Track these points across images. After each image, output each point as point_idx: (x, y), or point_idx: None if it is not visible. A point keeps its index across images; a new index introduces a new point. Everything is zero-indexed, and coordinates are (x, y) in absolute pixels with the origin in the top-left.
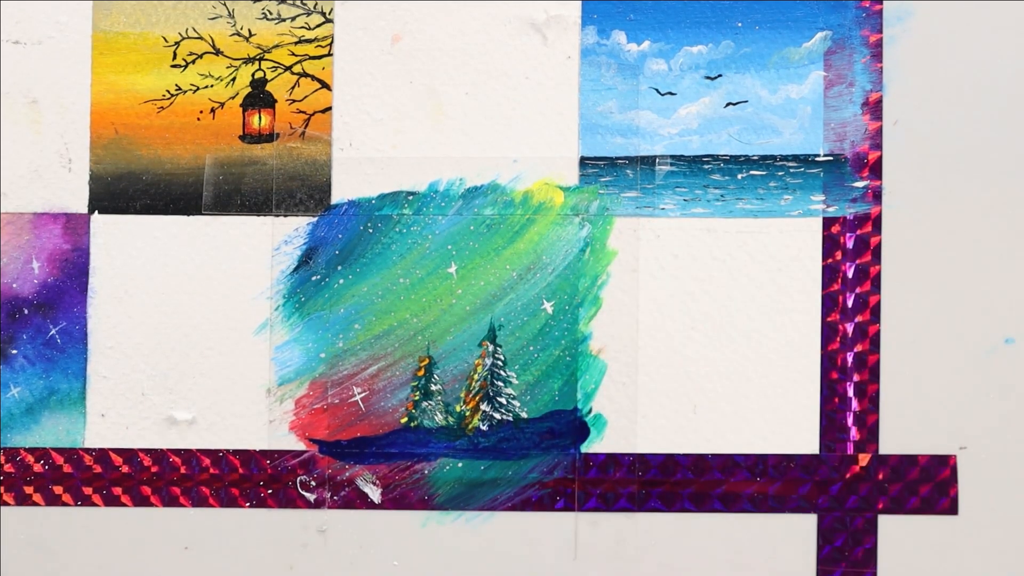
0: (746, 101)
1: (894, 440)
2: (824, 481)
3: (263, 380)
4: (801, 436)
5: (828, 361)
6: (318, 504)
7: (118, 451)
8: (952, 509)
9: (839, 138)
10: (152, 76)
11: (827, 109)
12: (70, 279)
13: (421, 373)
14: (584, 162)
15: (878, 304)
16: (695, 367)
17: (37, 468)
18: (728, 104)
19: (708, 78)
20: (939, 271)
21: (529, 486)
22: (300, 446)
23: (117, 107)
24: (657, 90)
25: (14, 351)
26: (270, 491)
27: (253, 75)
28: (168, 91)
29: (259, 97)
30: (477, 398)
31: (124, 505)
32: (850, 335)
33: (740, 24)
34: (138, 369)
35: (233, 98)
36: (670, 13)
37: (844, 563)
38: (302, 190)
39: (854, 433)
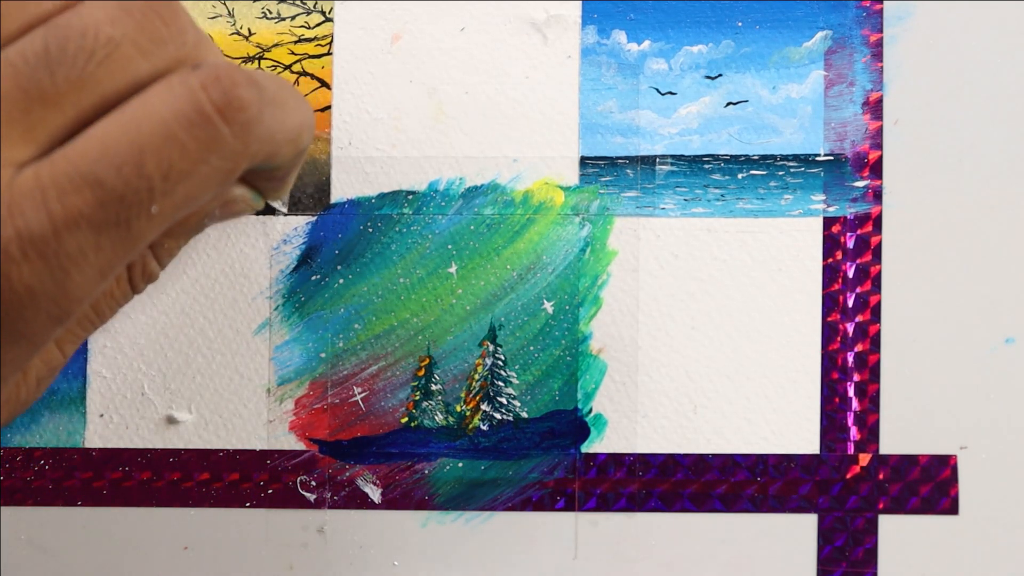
0: (746, 101)
1: (894, 440)
2: (824, 481)
3: (263, 380)
4: (801, 436)
5: (828, 361)
6: (318, 504)
7: (118, 451)
8: (952, 509)
9: (839, 138)
10: None
11: (827, 109)
12: None
13: (421, 373)
14: (584, 162)
15: (878, 304)
16: (695, 367)
17: (37, 468)
18: (728, 104)
19: (708, 77)
20: (939, 271)
21: (529, 486)
22: (300, 446)
23: None
24: (657, 90)
25: None
26: (270, 491)
27: None
28: None
29: None
30: (477, 398)
31: (124, 505)
32: (850, 335)
33: (740, 24)
34: (138, 369)
35: None
36: (670, 13)
37: (844, 563)
38: (301, 189)
39: (854, 433)
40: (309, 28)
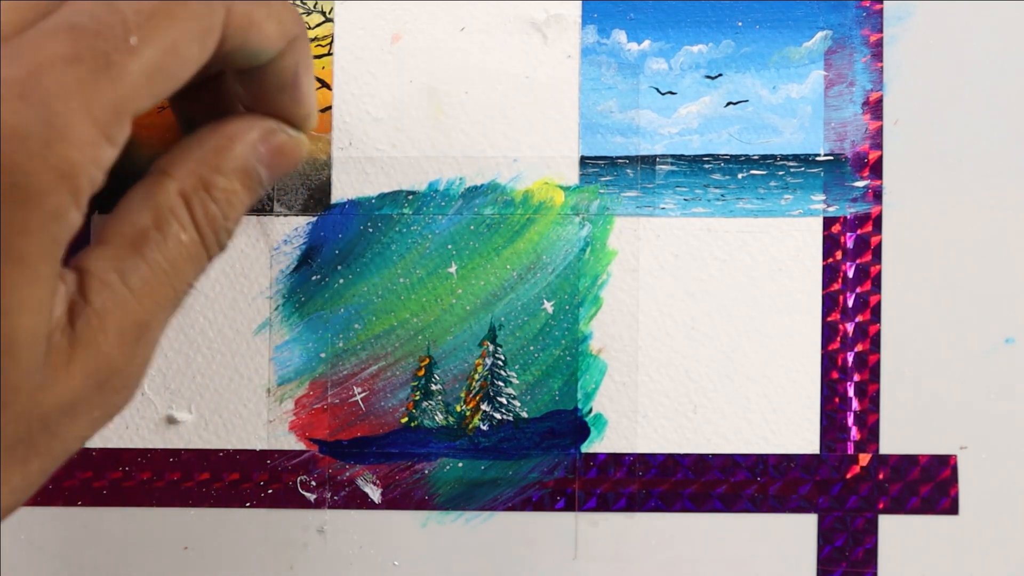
0: (746, 100)
1: (894, 440)
2: (824, 481)
3: (263, 380)
4: (801, 436)
5: (828, 361)
6: (318, 504)
7: (118, 451)
8: (952, 509)
9: (839, 138)
10: None
11: (827, 108)
12: None
13: (421, 373)
14: (584, 161)
15: (878, 304)
16: (695, 367)
17: None
18: (728, 103)
19: (708, 77)
20: (939, 271)
21: (529, 486)
22: (300, 446)
23: None
24: (657, 89)
25: None
26: (270, 491)
27: None
28: None
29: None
30: (477, 398)
31: (124, 505)
32: (850, 335)
33: (740, 23)
34: None
35: None
36: (670, 12)
37: (844, 563)
38: (302, 189)
39: (854, 433)
40: (309, 28)
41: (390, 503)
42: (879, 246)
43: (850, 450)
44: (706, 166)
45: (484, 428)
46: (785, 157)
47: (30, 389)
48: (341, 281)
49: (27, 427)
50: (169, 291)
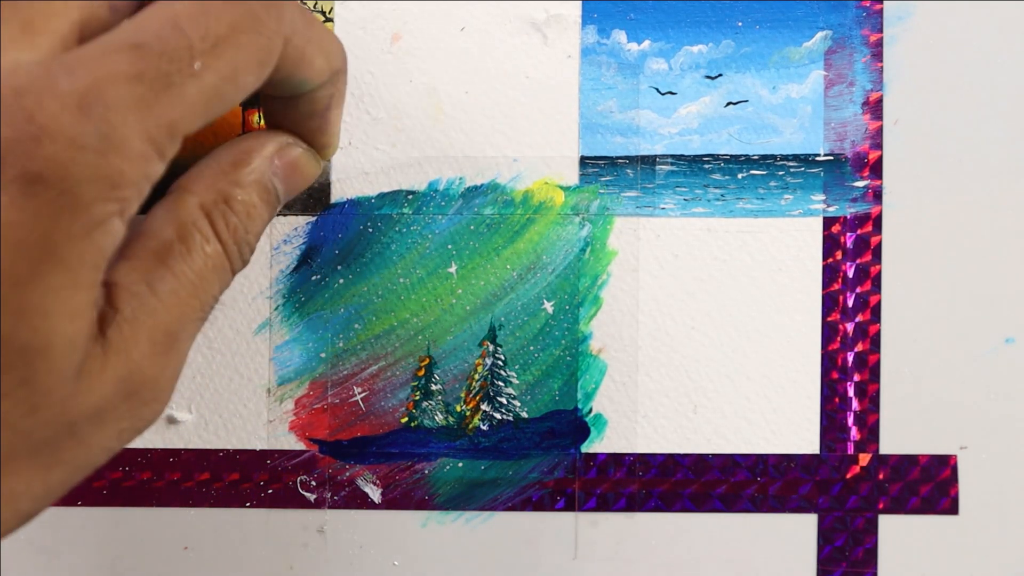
0: (746, 100)
1: (894, 440)
2: (824, 481)
3: (263, 380)
4: (801, 436)
5: (828, 361)
6: (318, 504)
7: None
8: (952, 509)
9: (839, 138)
10: None
11: (827, 108)
12: None
13: (421, 373)
14: (584, 161)
15: (878, 304)
16: (695, 367)
17: None
18: (728, 103)
19: (708, 77)
20: (939, 271)
21: (529, 486)
22: (300, 446)
23: None
24: (657, 89)
25: None
26: (270, 491)
27: None
28: None
29: (259, 96)
30: (477, 398)
31: (124, 505)
32: (850, 335)
33: (740, 23)
34: None
35: None
36: (670, 12)
37: (844, 563)
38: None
39: (854, 433)
40: None
41: (390, 503)
42: (879, 246)
43: (850, 450)
44: (706, 166)
45: (484, 428)
46: (785, 157)
47: (62, 395)
48: (341, 281)
49: (55, 431)
50: (195, 302)
